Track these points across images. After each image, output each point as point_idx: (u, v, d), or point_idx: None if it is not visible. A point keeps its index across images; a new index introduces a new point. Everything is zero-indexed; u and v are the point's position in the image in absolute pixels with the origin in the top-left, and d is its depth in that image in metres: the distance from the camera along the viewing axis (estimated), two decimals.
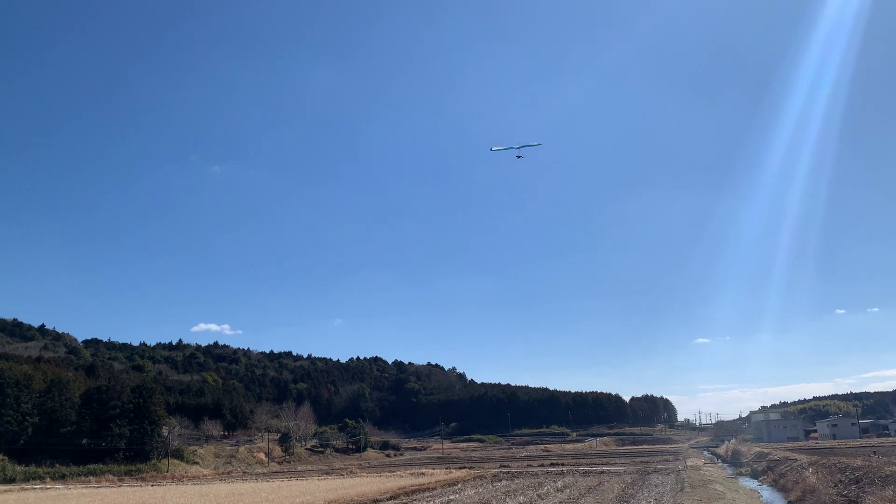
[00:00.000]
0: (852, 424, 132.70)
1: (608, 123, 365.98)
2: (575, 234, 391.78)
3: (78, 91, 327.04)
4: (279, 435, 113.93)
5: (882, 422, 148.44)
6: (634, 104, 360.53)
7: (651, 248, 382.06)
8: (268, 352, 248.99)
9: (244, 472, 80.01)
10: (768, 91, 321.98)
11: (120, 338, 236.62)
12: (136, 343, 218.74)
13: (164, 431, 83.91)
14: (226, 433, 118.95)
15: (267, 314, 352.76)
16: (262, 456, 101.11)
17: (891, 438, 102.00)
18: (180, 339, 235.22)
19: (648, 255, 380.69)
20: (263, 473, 77.06)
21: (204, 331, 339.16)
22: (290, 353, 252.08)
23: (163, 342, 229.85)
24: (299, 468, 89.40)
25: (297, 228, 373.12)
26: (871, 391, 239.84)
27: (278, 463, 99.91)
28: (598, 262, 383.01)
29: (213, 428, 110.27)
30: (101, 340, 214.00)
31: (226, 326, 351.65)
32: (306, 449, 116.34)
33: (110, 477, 68.63)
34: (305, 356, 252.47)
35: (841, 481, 34.50)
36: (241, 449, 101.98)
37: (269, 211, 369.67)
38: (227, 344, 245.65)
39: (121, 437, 77.91)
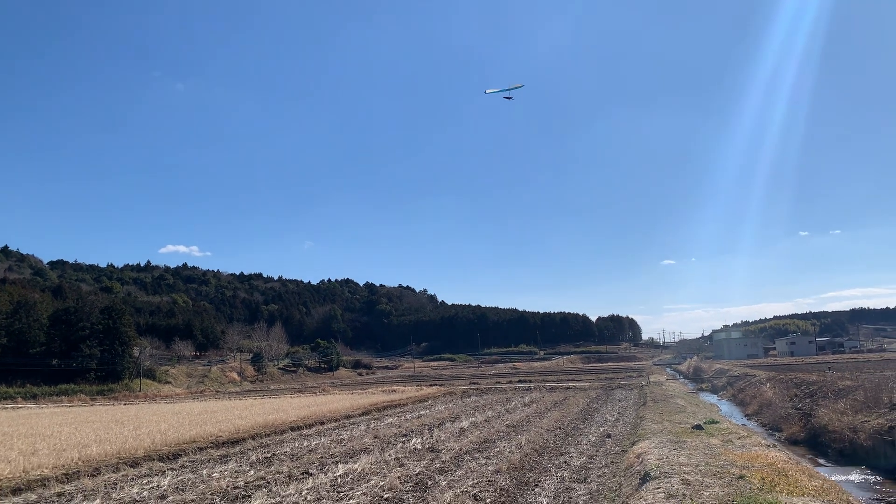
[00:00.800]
0: (810, 342, 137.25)
1: (586, 44, 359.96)
2: (545, 155, 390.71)
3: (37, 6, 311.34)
4: (251, 355, 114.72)
5: (838, 339, 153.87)
6: (613, 23, 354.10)
7: (621, 172, 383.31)
8: (238, 273, 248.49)
9: (217, 392, 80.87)
10: (754, 16, 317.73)
11: (86, 259, 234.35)
12: (103, 265, 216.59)
13: (136, 352, 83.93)
14: (197, 354, 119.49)
15: (236, 236, 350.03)
16: (234, 375, 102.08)
17: (845, 355, 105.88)
18: (148, 261, 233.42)
19: (618, 177, 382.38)
20: (236, 392, 77.99)
21: (172, 252, 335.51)
22: (260, 274, 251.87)
23: (130, 263, 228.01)
24: (272, 387, 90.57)
25: (265, 149, 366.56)
26: (830, 310, 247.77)
27: (251, 382, 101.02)
28: (568, 185, 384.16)
29: (184, 348, 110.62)
30: (67, 262, 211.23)
31: (194, 248, 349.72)
32: (279, 368, 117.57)
33: (82, 397, 68.89)
34: (276, 278, 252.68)
35: (796, 395, 35.86)
36: (214, 369, 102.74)
37: (236, 130, 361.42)
38: (196, 266, 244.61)
39: (91, 358, 77.80)
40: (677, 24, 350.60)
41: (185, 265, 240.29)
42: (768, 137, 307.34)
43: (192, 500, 14.01)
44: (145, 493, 15.11)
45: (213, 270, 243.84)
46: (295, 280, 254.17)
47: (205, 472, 17.87)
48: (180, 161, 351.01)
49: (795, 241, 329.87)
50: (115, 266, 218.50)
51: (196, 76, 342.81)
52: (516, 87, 45.95)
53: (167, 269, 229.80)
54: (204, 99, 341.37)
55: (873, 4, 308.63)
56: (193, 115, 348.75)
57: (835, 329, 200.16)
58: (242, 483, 15.89)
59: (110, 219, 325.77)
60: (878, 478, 19.98)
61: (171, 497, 14.43)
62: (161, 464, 19.66)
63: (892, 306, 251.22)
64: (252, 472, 17.43)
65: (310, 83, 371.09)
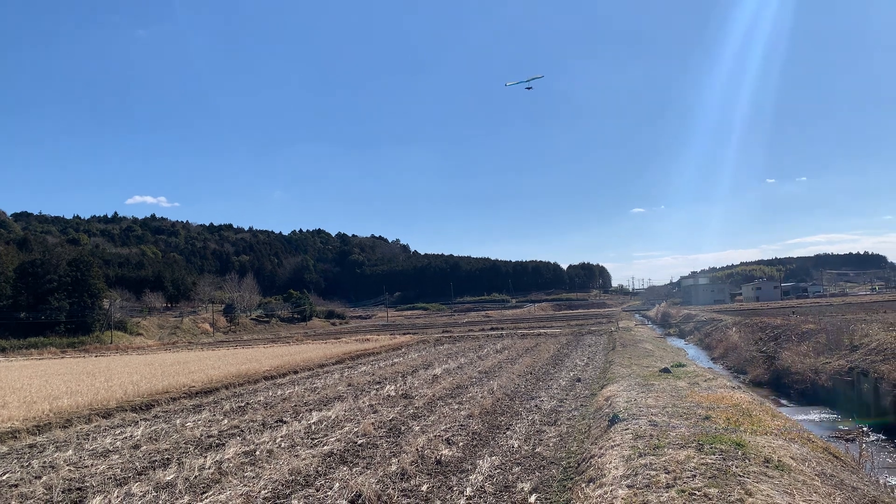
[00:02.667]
0: (775, 287, 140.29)
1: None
2: (518, 105, 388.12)
3: None
4: (223, 306, 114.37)
5: (802, 284, 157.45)
6: None
7: (593, 122, 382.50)
8: (207, 224, 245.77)
9: (189, 343, 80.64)
10: None
11: (51, 211, 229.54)
12: (69, 216, 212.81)
13: (106, 304, 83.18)
14: (169, 305, 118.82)
15: (204, 186, 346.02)
16: (206, 326, 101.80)
17: (809, 300, 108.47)
18: (115, 212, 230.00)
19: (590, 128, 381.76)
20: (209, 343, 77.85)
21: (139, 203, 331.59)
22: (230, 225, 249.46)
23: (97, 215, 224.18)
24: (245, 337, 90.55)
25: (232, 98, 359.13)
26: (795, 256, 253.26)
27: (223, 333, 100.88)
28: (541, 135, 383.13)
29: (155, 300, 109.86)
30: (32, 213, 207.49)
31: (162, 199, 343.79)
32: (251, 319, 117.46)
33: (52, 349, 68.30)
34: (247, 229, 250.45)
35: (761, 338, 36.72)
36: (186, 320, 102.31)
37: (201, 79, 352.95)
38: (164, 217, 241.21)
39: (60, 311, 76.98)
40: None
41: (153, 216, 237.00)
42: (741, 89, 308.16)
43: (166, 450, 14.04)
44: (118, 443, 15.10)
45: (182, 221, 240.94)
46: (266, 231, 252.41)
47: (178, 421, 17.90)
48: (144, 110, 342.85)
49: (762, 188, 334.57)
50: (82, 218, 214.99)
51: (159, 23, 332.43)
52: (536, 78, 46.08)
53: (135, 220, 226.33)
54: (167, 46, 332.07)
55: None
56: (156, 62, 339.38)
57: (799, 274, 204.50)
58: (216, 432, 15.96)
59: (75, 170, 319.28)
60: (836, 416, 20.67)
61: (145, 447, 14.45)
62: (134, 414, 19.65)
63: (854, 252, 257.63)
64: (226, 421, 17.49)
65: (280, 30, 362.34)
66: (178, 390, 23.60)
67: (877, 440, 17.26)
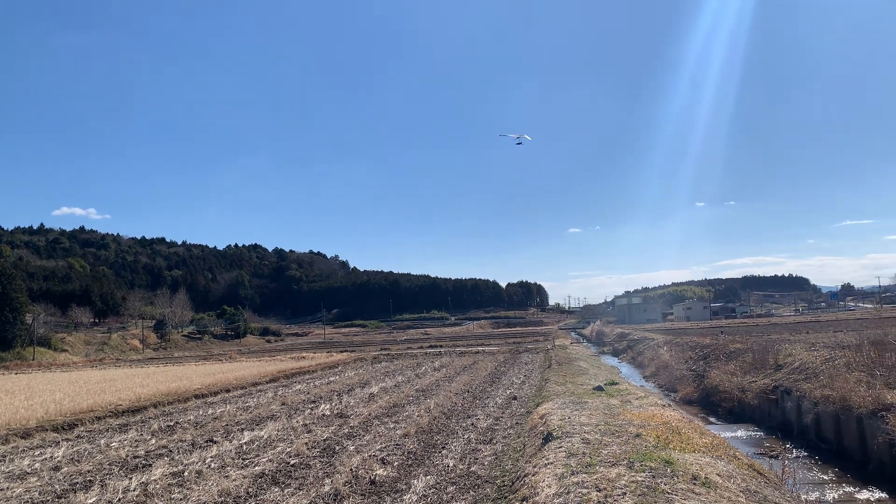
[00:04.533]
0: (704, 308, 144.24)
1: (499, 15, 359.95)
2: (459, 125, 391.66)
3: None
4: (154, 322, 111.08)
5: (730, 305, 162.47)
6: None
7: (531, 144, 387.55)
8: (139, 238, 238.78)
9: (117, 359, 77.94)
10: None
11: None
12: None
13: (28, 319, 79.75)
14: (96, 320, 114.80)
15: (137, 198, 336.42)
16: (136, 343, 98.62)
17: (737, 320, 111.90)
18: (42, 224, 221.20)
19: (528, 149, 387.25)
20: (138, 360, 75.41)
21: (68, 215, 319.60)
22: (163, 239, 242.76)
23: (21, 226, 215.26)
24: (176, 354, 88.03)
25: (168, 108, 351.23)
26: (724, 277, 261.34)
27: (154, 350, 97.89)
28: (481, 155, 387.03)
29: (82, 315, 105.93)
30: None
31: (91, 210, 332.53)
32: (183, 336, 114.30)
33: None
34: (180, 243, 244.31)
35: (691, 357, 37.66)
36: (114, 336, 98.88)
37: (135, 89, 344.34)
38: (94, 229, 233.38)
39: None
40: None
41: (82, 228, 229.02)
42: (674, 118, 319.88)
43: (89, 471, 13.49)
44: (37, 464, 14.45)
45: (112, 234, 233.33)
46: (200, 245, 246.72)
47: (103, 441, 17.25)
48: (73, 119, 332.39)
49: (693, 211, 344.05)
50: (5, 229, 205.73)
51: (90, 28, 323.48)
52: (525, 138, 47.61)
53: (63, 232, 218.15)
54: (100, 53, 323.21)
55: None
56: (88, 69, 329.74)
57: (728, 295, 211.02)
58: (143, 452, 15.44)
59: None
60: (762, 434, 21.32)
61: (66, 468, 13.86)
62: (55, 434, 18.85)
63: (780, 274, 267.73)
64: (153, 441, 16.95)
65: (216, 40, 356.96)
66: (104, 409, 22.75)
67: (799, 457, 17.87)
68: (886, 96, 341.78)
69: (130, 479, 12.55)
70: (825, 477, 15.79)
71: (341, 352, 65.42)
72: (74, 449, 16.26)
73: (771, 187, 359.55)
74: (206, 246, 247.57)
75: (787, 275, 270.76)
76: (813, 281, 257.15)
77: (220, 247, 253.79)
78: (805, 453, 18.21)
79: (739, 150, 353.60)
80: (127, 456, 15.00)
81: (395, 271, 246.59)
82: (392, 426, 17.91)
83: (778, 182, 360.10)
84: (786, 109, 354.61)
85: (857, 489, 14.73)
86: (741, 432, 21.68)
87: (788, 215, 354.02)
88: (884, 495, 14.20)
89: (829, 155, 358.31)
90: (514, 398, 23.26)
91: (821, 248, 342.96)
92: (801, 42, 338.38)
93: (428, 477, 12.11)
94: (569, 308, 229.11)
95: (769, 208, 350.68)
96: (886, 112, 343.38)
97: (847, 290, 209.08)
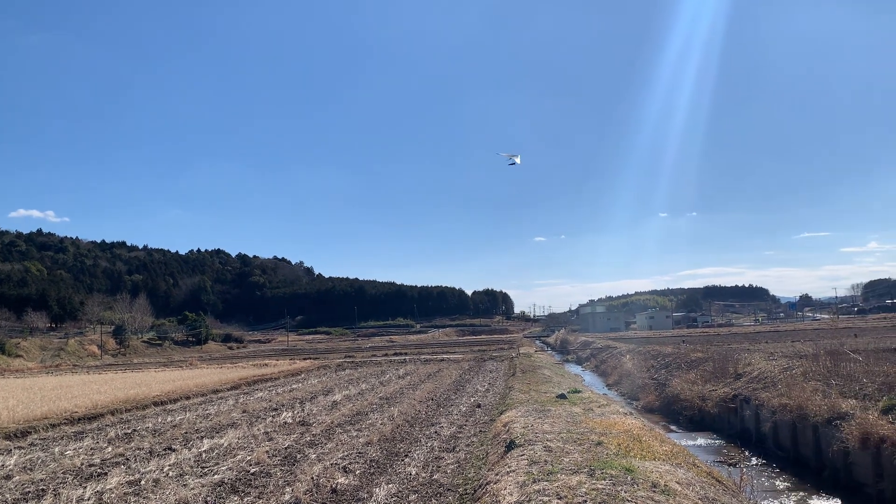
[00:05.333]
0: (667, 317, 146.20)
1: (476, 28, 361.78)
2: (428, 133, 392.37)
3: None
4: (113, 327, 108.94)
5: (692, 315, 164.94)
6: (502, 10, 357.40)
7: (501, 150, 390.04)
8: (99, 241, 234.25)
9: (75, 366, 76.19)
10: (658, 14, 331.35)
11: None
12: None
13: None
14: (53, 325, 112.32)
15: (97, 201, 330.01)
16: (94, 348, 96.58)
17: (698, 329, 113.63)
18: None
19: (496, 158, 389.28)
20: (96, 366, 73.81)
21: (24, 217, 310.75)
22: (123, 243, 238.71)
23: None
24: (135, 361, 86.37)
25: (131, 110, 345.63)
26: (686, 287, 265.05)
27: (112, 356, 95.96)
28: (450, 164, 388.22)
29: (38, 320, 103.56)
30: None
31: (50, 213, 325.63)
32: (143, 342, 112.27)
33: None
34: (141, 247, 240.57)
35: (653, 366, 38.10)
36: (71, 341, 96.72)
37: (95, 90, 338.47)
38: (52, 232, 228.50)
39: None
40: (573, 17, 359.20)
41: (39, 231, 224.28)
42: (638, 132, 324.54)
43: (42, 480, 13.15)
44: None
45: (71, 237, 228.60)
46: (162, 249, 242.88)
47: (57, 449, 16.83)
48: (31, 119, 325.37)
49: (656, 221, 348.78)
50: None
51: (51, 29, 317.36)
52: (515, 161, 48.33)
53: (19, 234, 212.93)
54: (59, 53, 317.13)
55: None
56: (47, 70, 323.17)
57: (690, 305, 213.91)
58: (98, 460, 15.10)
59: None
60: (721, 442, 21.64)
61: (18, 477, 13.49)
62: (7, 442, 18.34)
63: (740, 284, 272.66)
64: (110, 449, 16.59)
65: (181, 41, 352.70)
66: (59, 416, 22.22)
67: (757, 464, 18.17)
68: (842, 115, 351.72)
69: (85, 488, 12.26)
70: (782, 484, 16.07)
71: (305, 359, 64.84)
72: (27, 457, 15.84)
73: (732, 200, 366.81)
74: (168, 250, 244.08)
75: (747, 285, 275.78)
76: (772, 291, 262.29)
77: (183, 251, 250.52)
78: (763, 461, 18.52)
79: (702, 162, 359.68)
80: (82, 464, 14.66)
81: (361, 278, 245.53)
82: (355, 434, 17.78)
83: (739, 195, 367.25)
84: (747, 125, 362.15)
85: (812, 496, 15.02)
86: (701, 440, 21.97)
87: (749, 227, 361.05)
88: (838, 502, 14.50)
89: (788, 169, 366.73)
90: (478, 406, 23.27)
91: (780, 259, 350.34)
92: (765, 60, 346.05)
93: (390, 485, 12.04)
94: (534, 316, 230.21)
95: (730, 220, 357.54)
96: (842, 130, 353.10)
97: (805, 300, 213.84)
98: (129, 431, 19.80)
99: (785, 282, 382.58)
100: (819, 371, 21.22)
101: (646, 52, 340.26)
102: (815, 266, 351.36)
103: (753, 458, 18.80)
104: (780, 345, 41.39)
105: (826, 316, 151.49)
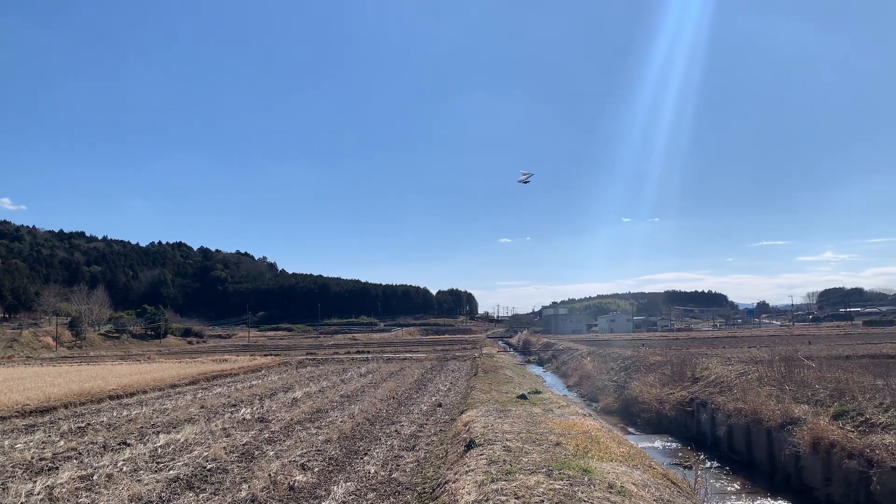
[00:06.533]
0: (628, 320, 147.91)
1: (449, 26, 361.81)
2: (397, 131, 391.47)
3: None
4: (69, 319, 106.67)
5: (652, 318, 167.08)
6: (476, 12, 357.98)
7: (467, 154, 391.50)
8: (57, 231, 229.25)
9: (28, 357, 74.52)
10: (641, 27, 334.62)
11: None
12: None
13: None
14: (6, 316, 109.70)
15: (55, 190, 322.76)
16: (49, 340, 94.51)
17: (658, 333, 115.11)
18: None
19: (464, 159, 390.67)
20: (50, 358, 72.25)
21: None
22: (82, 233, 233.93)
23: None
24: (92, 353, 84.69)
25: (92, 97, 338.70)
26: (647, 291, 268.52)
27: (68, 348, 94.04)
28: (418, 163, 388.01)
29: None
30: None
31: (6, 200, 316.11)
32: (100, 334, 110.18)
33: None
34: (101, 238, 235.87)
35: (613, 369, 38.49)
36: (25, 333, 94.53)
37: (55, 74, 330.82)
38: (7, 220, 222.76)
39: None
40: (545, 20, 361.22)
41: None
42: (606, 138, 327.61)
43: None
44: None
45: (27, 226, 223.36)
46: (122, 241, 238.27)
47: (7, 443, 16.43)
48: None
49: (620, 226, 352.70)
50: None
51: (7, 15, 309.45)
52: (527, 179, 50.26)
53: None
54: (17, 36, 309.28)
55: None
56: (7, 57, 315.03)
57: (650, 309, 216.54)
58: (50, 454, 14.78)
59: None
60: (678, 445, 21.95)
61: None
62: None
63: (699, 290, 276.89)
64: (62, 443, 16.25)
65: (142, 28, 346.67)
66: (10, 409, 21.71)
67: (712, 467, 18.47)
68: (802, 129, 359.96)
69: (35, 482, 11.99)
70: (735, 487, 16.36)
71: (265, 355, 64.24)
72: None
73: (693, 206, 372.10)
74: (129, 242, 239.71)
75: (706, 291, 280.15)
76: (731, 298, 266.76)
77: (143, 243, 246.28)
78: (718, 464, 18.83)
79: (665, 170, 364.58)
80: (32, 458, 14.34)
81: (325, 275, 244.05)
82: (314, 431, 17.67)
83: (700, 202, 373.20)
84: (710, 135, 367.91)
85: (763, 499, 15.32)
86: (658, 443, 22.26)
87: (709, 234, 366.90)
88: None
89: (747, 178, 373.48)
90: (440, 405, 23.29)
91: (739, 266, 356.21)
92: (728, 73, 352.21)
93: (348, 483, 11.99)
94: (497, 317, 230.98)
95: (691, 226, 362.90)
96: (800, 140, 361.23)
97: (762, 307, 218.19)
98: (83, 425, 19.42)
99: (743, 288, 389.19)
100: (774, 377, 21.64)
101: (615, 56, 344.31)
102: (772, 274, 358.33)
103: (709, 461, 19.11)
104: (737, 350, 42.19)
105: (782, 323, 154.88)
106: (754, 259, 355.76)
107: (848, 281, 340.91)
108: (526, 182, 49.09)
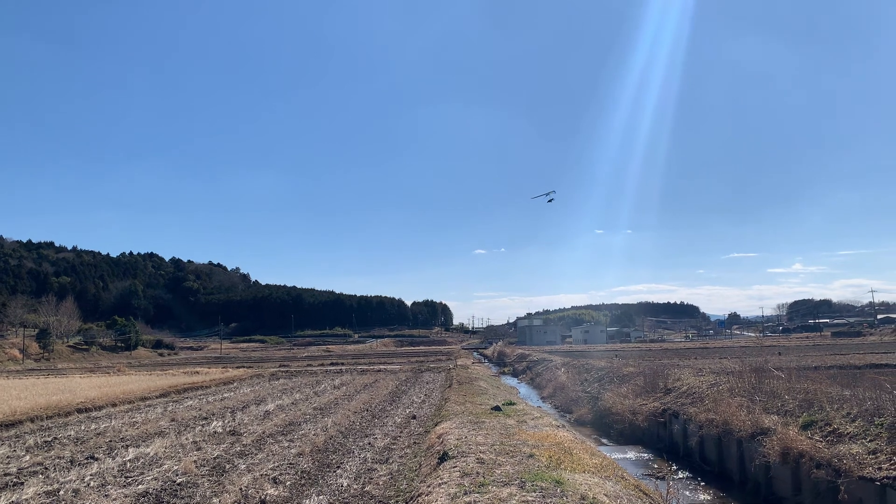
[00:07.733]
0: (601, 331, 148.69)
1: (426, 38, 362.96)
2: (373, 143, 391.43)
3: None
4: (37, 331, 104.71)
5: (626, 329, 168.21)
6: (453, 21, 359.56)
7: (443, 166, 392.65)
8: (25, 241, 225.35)
9: None
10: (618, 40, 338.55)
11: None
12: None
13: None
14: None
15: (23, 198, 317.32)
16: (15, 352, 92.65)
17: (631, 344, 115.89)
18: None
19: (440, 171, 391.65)
20: (17, 371, 70.83)
21: None
22: (51, 243, 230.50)
23: None
24: (60, 366, 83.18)
25: (59, 103, 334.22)
26: (620, 303, 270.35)
27: (35, 360, 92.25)
28: (393, 175, 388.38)
29: None
30: None
31: None
32: (68, 346, 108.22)
33: None
34: (70, 248, 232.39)
35: (586, 380, 38.64)
36: None
37: (23, 82, 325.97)
38: None
39: None
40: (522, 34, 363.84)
41: None
42: (579, 150, 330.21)
43: None
44: None
45: None
46: (92, 251, 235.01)
47: None
48: None
49: (592, 237, 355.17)
50: None
51: None
52: (551, 194, 52.04)
53: None
54: None
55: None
56: None
57: (624, 320, 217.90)
58: (15, 469, 14.47)
59: None
60: (651, 455, 22.08)
61: None
62: None
63: (672, 301, 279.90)
64: (28, 458, 15.92)
65: (114, 33, 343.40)
66: None
67: (684, 478, 18.59)
68: (771, 143, 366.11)
69: None
70: (707, 497, 16.49)
71: (238, 367, 63.56)
72: None
73: (665, 219, 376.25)
74: (99, 252, 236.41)
75: (678, 302, 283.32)
76: (702, 309, 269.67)
77: (114, 254, 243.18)
78: (690, 474, 18.97)
79: (638, 183, 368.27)
80: None
81: (299, 286, 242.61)
82: (287, 445, 17.51)
83: (671, 214, 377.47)
84: (682, 149, 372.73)
85: None
86: (631, 454, 22.37)
87: (680, 246, 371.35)
88: None
89: (718, 191, 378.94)
90: (414, 417, 23.20)
91: (710, 277, 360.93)
92: (699, 88, 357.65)
93: (321, 497, 11.89)
94: (472, 328, 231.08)
95: (663, 238, 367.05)
96: (770, 155, 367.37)
97: (734, 318, 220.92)
98: (50, 439, 19.05)
99: (715, 300, 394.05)
100: (744, 387, 21.87)
101: (591, 68, 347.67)
102: (743, 285, 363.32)
103: (680, 472, 19.24)
104: (709, 361, 42.57)
105: (752, 334, 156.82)
106: (725, 271, 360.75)
107: (817, 292, 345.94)
108: (550, 200, 50.59)
